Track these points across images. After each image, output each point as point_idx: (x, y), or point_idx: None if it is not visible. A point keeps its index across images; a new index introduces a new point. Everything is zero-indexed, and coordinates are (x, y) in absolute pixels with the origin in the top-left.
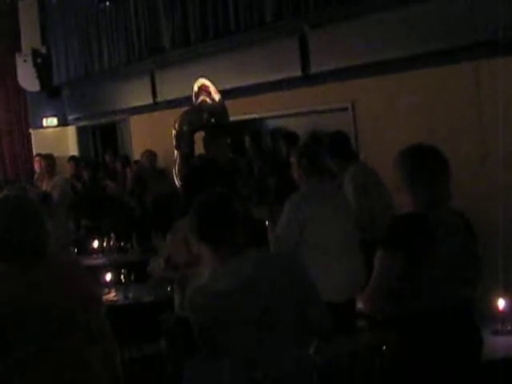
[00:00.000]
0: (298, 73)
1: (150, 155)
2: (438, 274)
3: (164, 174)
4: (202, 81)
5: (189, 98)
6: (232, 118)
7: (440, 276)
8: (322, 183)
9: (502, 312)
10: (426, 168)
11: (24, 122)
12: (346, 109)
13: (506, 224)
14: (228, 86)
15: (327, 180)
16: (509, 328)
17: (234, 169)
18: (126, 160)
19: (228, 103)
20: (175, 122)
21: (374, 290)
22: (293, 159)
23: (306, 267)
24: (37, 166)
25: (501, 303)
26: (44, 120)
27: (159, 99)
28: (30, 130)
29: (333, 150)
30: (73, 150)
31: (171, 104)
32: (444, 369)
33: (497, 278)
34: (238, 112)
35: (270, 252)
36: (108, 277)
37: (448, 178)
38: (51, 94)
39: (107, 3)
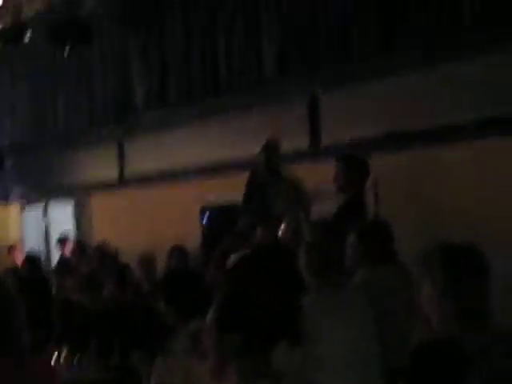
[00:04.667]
0: (306, 145)
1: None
2: None
3: (128, 270)
4: None
5: (165, 174)
6: (225, 200)
7: None
8: (337, 287)
9: None
10: (462, 276)
11: None
12: None
13: None
14: (217, 160)
15: (343, 282)
16: None
17: None
18: (82, 249)
19: (218, 182)
20: None
21: None
22: (301, 255)
23: None
24: None
25: None
26: None
27: (127, 174)
28: None
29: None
30: (15, 236)
31: (142, 181)
32: None
33: None
34: (232, 192)
35: None
36: None
37: (486, 287)
38: None
39: (67, 51)
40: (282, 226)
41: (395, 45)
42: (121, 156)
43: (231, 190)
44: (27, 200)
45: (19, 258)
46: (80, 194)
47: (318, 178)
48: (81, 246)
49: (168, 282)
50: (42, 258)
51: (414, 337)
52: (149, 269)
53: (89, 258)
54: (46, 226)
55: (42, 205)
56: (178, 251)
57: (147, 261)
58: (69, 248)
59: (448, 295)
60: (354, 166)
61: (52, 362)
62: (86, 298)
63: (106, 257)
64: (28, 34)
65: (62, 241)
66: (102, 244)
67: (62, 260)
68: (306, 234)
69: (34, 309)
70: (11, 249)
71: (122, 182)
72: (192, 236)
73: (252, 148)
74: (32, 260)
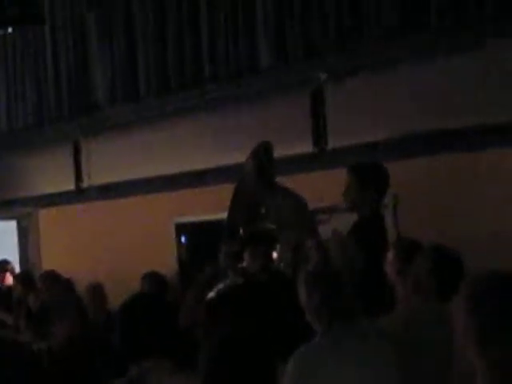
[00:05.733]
0: (308, 148)
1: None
2: None
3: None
4: None
5: (132, 184)
6: (205, 216)
7: None
8: (349, 331)
9: None
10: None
11: None
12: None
13: None
14: (196, 167)
15: (359, 325)
16: None
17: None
18: (28, 280)
19: (197, 194)
20: None
21: None
22: (301, 289)
23: None
24: None
25: None
26: None
27: (86, 184)
28: None
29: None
30: None
31: (104, 193)
32: None
33: None
34: (214, 207)
35: None
36: None
37: None
38: None
39: (9, 29)
40: (278, 251)
41: (426, 21)
42: (77, 161)
43: (213, 205)
44: None
45: None
46: (25, 210)
47: (324, 189)
48: (26, 274)
49: (127, 307)
50: None
51: None
52: (100, 299)
53: (36, 290)
54: None
55: None
56: (153, 279)
57: (97, 290)
58: (10, 277)
59: (490, 334)
60: (369, 177)
61: None
62: (35, 340)
63: (58, 289)
64: None
65: (2, 268)
66: (52, 272)
67: (3, 293)
68: (308, 260)
69: None
70: None
71: (79, 194)
72: (166, 261)
73: (240, 153)
74: None
